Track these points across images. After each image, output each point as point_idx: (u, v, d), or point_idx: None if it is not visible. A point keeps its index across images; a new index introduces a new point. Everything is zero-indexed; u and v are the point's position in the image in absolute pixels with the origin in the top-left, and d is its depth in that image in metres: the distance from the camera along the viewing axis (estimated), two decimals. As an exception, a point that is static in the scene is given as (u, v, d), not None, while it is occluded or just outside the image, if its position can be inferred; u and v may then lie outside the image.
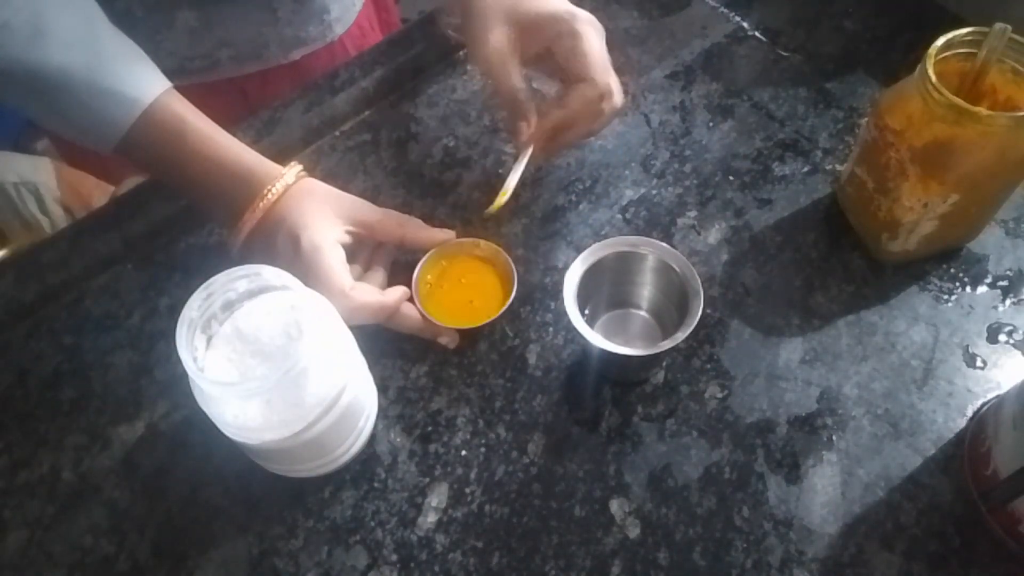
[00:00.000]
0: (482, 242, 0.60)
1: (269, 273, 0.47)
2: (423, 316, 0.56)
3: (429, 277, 0.59)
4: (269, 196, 0.56)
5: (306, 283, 0.50)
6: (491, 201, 0.59)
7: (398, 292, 0.56)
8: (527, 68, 0.60)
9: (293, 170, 0.58)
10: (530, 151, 0.60)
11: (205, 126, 0.57)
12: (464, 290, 0.59)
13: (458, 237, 0.60)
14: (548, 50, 0.59)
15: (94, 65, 0.53)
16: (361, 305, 0.54)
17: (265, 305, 0.49)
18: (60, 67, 0.52)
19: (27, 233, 1.23)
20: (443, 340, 0.57)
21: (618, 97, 0.59)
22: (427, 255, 0.59)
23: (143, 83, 0.56)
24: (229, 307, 0.48)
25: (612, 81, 0.59)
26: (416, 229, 0.59)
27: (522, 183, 0.66)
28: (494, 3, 0.59)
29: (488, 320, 0.56)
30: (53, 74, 0.52)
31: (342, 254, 0.55)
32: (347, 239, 0.57)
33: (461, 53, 0.76)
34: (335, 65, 0.76)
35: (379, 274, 0.59)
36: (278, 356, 0.47)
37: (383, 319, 0.55)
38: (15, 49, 0.51)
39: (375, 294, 0.55)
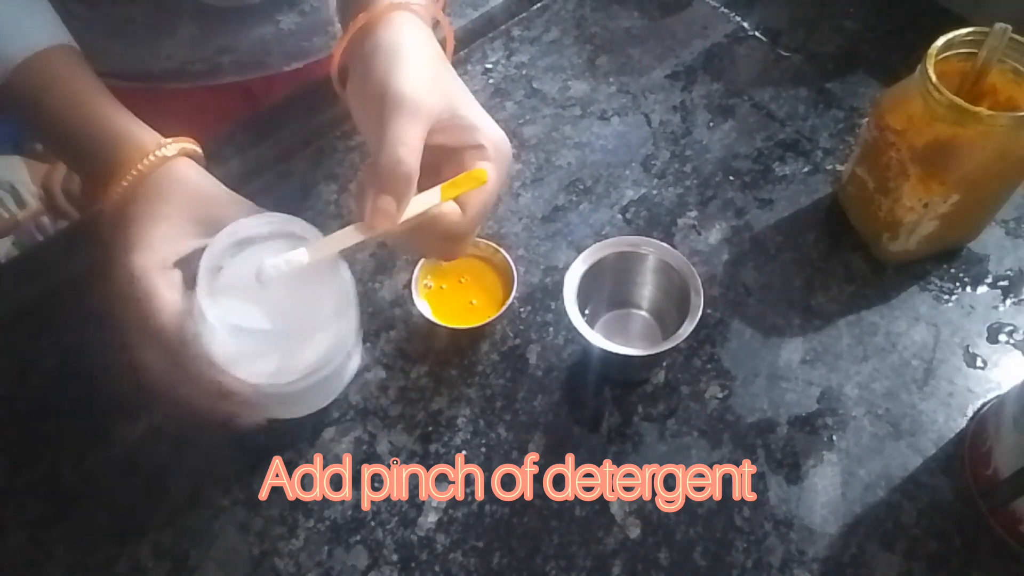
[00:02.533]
0: (482, 242, 0.59)
1: (295, 225, 0.45)
2: (424, 317, 0.56)
3: (429, 277, 0.59)
4: (130, 176, 0.46)
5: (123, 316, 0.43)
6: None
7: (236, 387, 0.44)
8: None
9: (173, 146, 0.48)
10: (361, 238, 0.43)
11: (66, 94, 0.49)
12: (464, 290, 0.59)
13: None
14: (441, 151, 0.46)
15: None
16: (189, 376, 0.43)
17: (279, 250, 0.45)
18: None
19: (10, 227, 1.27)
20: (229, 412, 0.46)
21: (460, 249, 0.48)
22: (427, 255, 0.59)
23: (17, 38, 0.49)
24: (244, 245, 0.46)
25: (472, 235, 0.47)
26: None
27: (522, 184, 0.66)
28: (418, 44, 0.46)
29: (488, 320, 0.56)
30: None
31: (174, 281, 0.44)
32: (187, 250, 0.45)
33: (462, 52, 0.76)
34: None
35: None
36: (284, 313, 0.45)
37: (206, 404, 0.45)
38: None
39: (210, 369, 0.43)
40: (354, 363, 0.54)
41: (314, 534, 0.51)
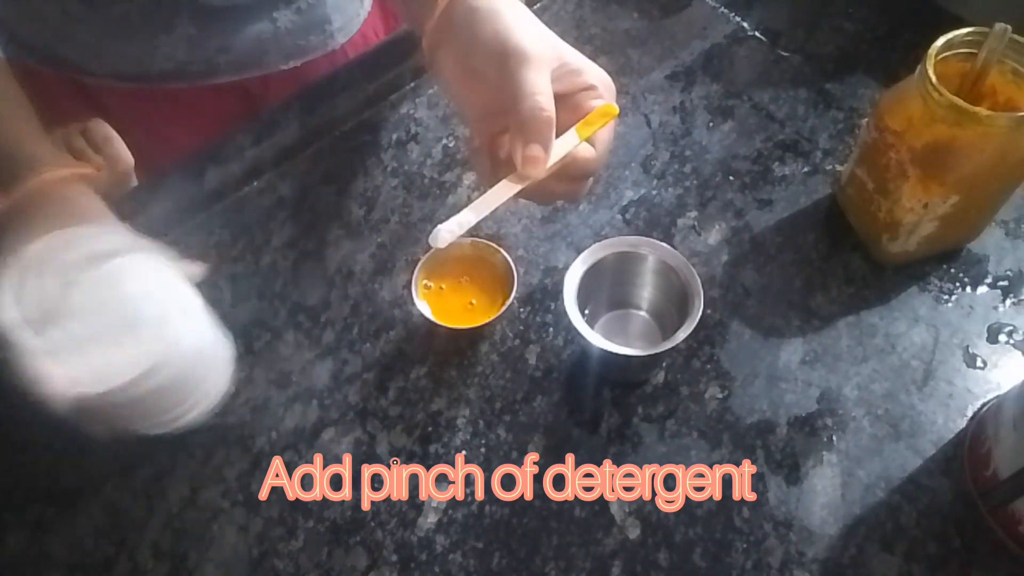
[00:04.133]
0: (482, 242, 0.60)
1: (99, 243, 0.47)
2: (423, 317, 0.57)
3: (428, 277, 0.59)
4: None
5: None
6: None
7: None
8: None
9: (65, 171, 0.52)
10: (521, 187, 0.46)
11: None
12: (464, 290, 0.59)
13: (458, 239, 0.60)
14: (556, 99, 0.46)
15: None
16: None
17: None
18: None
19: None
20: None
21: (586, 187, 0.50)
22: (426, 256, 0.59)
23: None
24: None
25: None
26: None
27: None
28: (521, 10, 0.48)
29: (488, 320, 0.56)
30: None
31: None
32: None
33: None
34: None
35: None
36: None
37: None
38: None
39: None
40: (218, 369, 0.53)
41: (313, 535, 0.51)
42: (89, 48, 0.71)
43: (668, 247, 0.53)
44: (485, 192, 0.46)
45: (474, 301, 0.58)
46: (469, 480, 0.53)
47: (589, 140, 0.47)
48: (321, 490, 0.53)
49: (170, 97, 0.76)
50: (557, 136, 0.45)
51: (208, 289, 0.63)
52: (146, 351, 0.47)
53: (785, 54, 0.73)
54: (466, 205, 0.64)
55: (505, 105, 0.45)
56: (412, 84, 0.74)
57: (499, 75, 0.45)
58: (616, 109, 0.47)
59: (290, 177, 0.69)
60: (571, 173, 0.47)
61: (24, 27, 0.70)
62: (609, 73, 0.50)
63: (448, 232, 0.44)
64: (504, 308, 0.56)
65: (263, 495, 0.53)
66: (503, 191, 0.46)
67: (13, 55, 0.71)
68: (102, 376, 0.46)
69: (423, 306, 0.57)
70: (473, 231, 0.61)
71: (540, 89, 0.44)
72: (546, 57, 0.46)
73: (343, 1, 0.79)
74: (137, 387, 0.47)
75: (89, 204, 0.53)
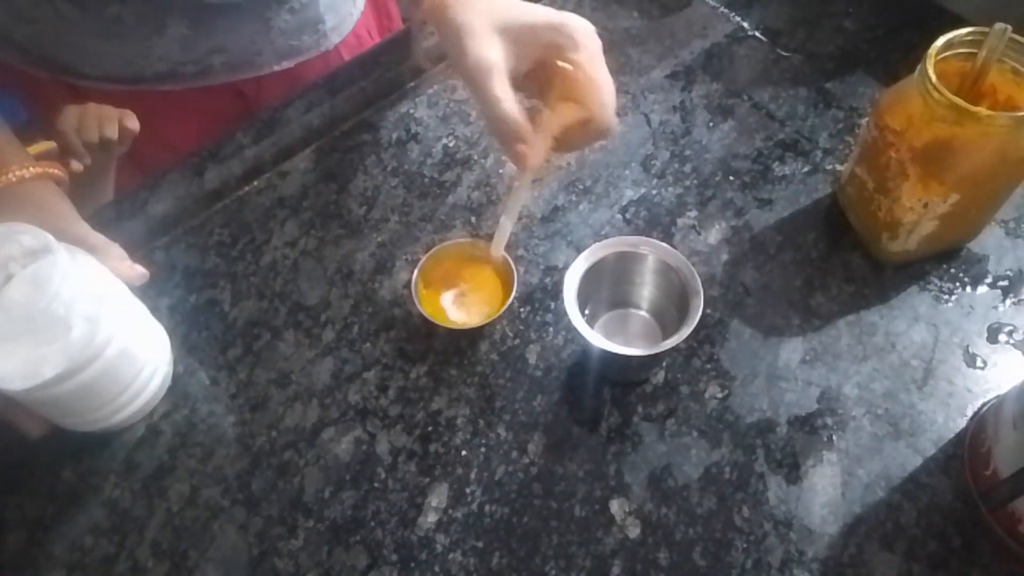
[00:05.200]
0: (482, 242, 0.59)
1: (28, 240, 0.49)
2: (423, 317, 0.57)
3: (428, 277, 0.59)
4: None
5: None
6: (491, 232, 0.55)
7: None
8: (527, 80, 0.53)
9: (34, 169, 0.56)
10: (530, 177, 0.53)
11: None
12: (464, 290, 0.59)
13: (459, 238, 0.60)
14: (538, 66, 0.52)
15: None
16: None
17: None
18: None
19: None
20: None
21: (614, 122, 0.52)
22: (426, 255, 0.59)
23: None
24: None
25: (613, 106, 0.51)
26: (118, 266, 0.57)
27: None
28: (476, 9, 0.51)
29: (488, 320, 0.56)
30: None
31: None
32: None
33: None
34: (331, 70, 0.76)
35: None
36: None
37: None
38: None
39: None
40: (150, 370, 0.55)
41: (313, 534, 0.51)
42: (82, 50, 0.71)
43: (668, 247, 0.53)
44: (509, 196, 0.53)
45: (473, 300, 0.58)
46: (469, 479, 0.53)
47: (580, 102, 0.50)
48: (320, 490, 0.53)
49: (164, 99, 0.75)
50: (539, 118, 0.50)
51: (208, 289, 0.63)
52: (71, 350, 0.47)
53: (785, 54, 0.73)
54: (466, 204, 0.65)
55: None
56: (412, 84, 0.74)
57: (467, 84, 0.50)
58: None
59: (290, 176, 0.69)
60: (587, 137, 0.51)
61: (16, 29, 0.70)
62: (609, 72, 0.51)
63: (499, 244, 0.54)
64: (504, 308, 0.56)
65: (263, 495, 0.53)
66: (522, 192, 0.52)
67: (4, 57, 0.71)
68: (25, 373, 0.47)
69: (423, 307, 0.57)
70: (473, 231, 0.62)
71: (497, 98, 0.49)
72: (497, 61, 0.49)
73: (336, 1, 0.79)
74: (60, 386, 0.48)
75: (49, 201, 0.55)
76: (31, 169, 0.56)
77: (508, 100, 0.49)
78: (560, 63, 0.51)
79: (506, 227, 0.54)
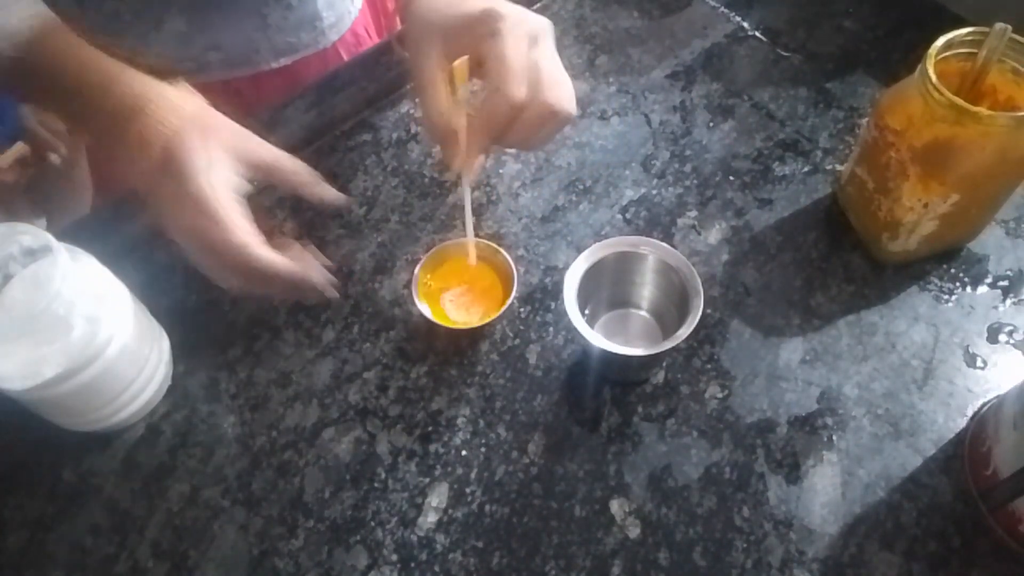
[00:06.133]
0: (482, 242, 0.60)
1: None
2: (424, 317, 0.57)
3: (429, 277, 0.59)
4: (147, 114, 0.49)
5: (200, 236, 0.47)
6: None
7: (314, 269, 0.51)
8: (474, 76, 0.52)
9: (175, 90, 0.52)
10: (469, 179, 0.55)
11: (83, 58, 0.52)
12: (464, 290, 0.59)
13: (459, 238, 0.60)
14: (476, 60, 0.51)
15: None
16: (269, 269, 0.47)
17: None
18: None
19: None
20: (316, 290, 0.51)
21: (552, 107, 0.50)
22: (426, 255, 0.59)
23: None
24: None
25: (540, 92, 0.50)
26: (312, 181, 0.54)
27: (522, 184, 0.66)
28: (427, 14, 0.52)
29: (488, 320, 0.56)
30: None
31: (240, 204, 0.49)
32: (246, 187, 0.50)
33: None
34: (327, 70, 0.75)
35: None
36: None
37: (287, 289, 0.50)
38: None
39: (285, 260, 0.49)
40: (149, 369, 0.55)
41: (314, 534, 0.51)
42: None
43: (668, 246, 0.53)
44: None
45: (473, 300, 0.58)
46: (469, 479, 0.53)
47: (499, 81, 0.49)
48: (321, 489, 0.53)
49: None
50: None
51: (208, 289, 0.63)
52: (71, 350, 0.48)
53: (785, 54, 0.73)
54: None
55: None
56: (412, 84, 0.74)
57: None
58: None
59: (290, 176, 0.69)
60: (534, 125, 0.51)
61: None
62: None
63: (471, 254, 0.55)
64: (504, 308, 0.56)
65: (262, 495, 0.53)
66: (466, 196, 0.55)
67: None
68: (25, 373, 0.47)
69: (423, 306, 0.57)
70: (473, 231, 0.62)
71: (430, 108, 0.51)
72: (428, 73, 0.51)
73: None
74: (60, 386, 0.48)
75: (235, 124, 0.52)
76: (193, 97, 0.52)
77: (440, 107, 0.51)
78: (484, 46, 0.50)
79: (469, 232, 0.56)
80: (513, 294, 0.57)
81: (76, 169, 0.79)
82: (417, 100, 0.52)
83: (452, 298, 0.58)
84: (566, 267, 0.53)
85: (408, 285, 0.58)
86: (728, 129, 0.69)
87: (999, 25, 0.50)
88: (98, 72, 0.50)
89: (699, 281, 0.51)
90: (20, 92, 0.53)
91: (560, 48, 0.53)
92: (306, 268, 0.50)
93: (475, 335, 0.58)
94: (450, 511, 0.52)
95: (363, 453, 0.54)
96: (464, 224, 0.57)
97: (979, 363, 0.55)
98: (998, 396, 0.51)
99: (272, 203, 0.68)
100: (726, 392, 0.55)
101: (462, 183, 0.56)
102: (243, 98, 0.80)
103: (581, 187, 0.66)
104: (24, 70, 0.50)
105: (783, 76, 0.72)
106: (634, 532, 0.50)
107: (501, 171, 0.68)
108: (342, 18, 0.81)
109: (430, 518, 0.51)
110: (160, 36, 0.71)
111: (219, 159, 0.49)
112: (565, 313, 0.51)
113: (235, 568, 0.51)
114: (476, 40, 0.50)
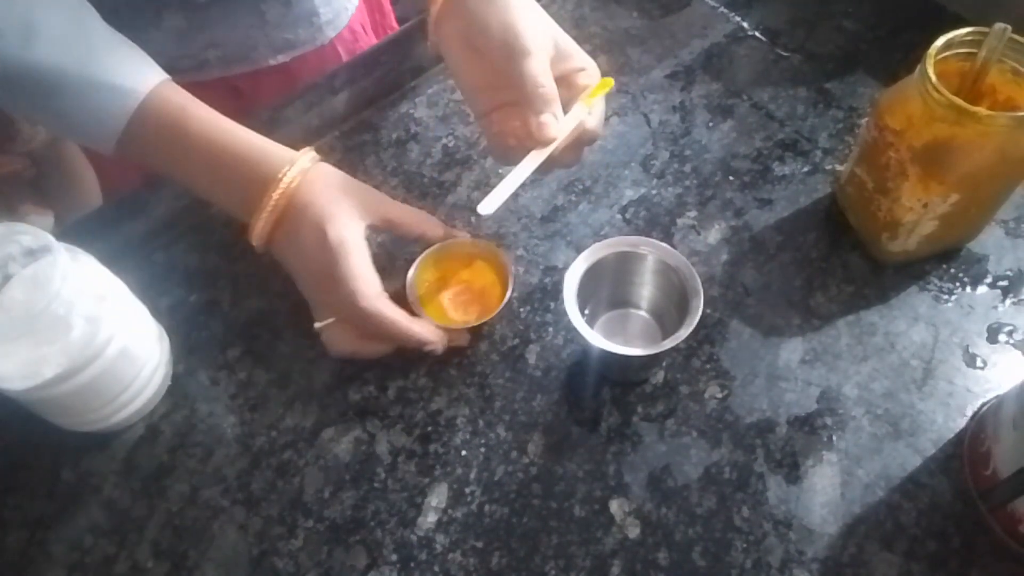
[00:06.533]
0: (480, 241, 0.60)
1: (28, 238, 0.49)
2: (422, 317, 0.56)
3: (426, 276, 0.59)
4: (284, 180, 0.53)
5: (328, 281, 0.53)
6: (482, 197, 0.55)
7: (430, 331, 0.55)
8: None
9: (308, 155, 0.56)
10: (548, 152, 0.55)
11: (207, 113, 0.56)
12: (462, 289, 0.59)
13: (458, 238, 0.60)
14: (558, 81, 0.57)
15: (87, 60, 0.53)
16: (386, 321, 0.53)
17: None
18: (54, 66, 0.52)
19: None
20: (430, 347, 0.55)
21: (598, 137, 0.60)
22: (423, 254, 0.59)
23: (138, 74, 0.55)
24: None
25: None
26: (435, 228, 0.59)
27: (522, 184, 0.66)
28: (529, 14, 0.56)
29: (486, 319, 0.56)
30: (47, 73, 0.52)
31: (368, 253, 0.55)
32: (368, 235, 0.56)
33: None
34: (325, 67, 0.75)
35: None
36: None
37: (395, 343, 0.56)
38: (8, 51, 0.51)
39: (404, 316, 0.54)
40: (149, 369, 0.55)
41: (313, 534, 0.51)
42: None
43: (668, 247, 0.53)
44: (507, 173, 0.54)
45: (473, 300, 0.58)
46: (469, 479, 0.53)
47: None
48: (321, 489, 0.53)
49: None
50: (565, 112, 0.55)
51: (208, 289, 0.63)
52: (71, 350, 0.48)
53: (785, 54, 0.73)
54: (466, 204, 0.66)
55: (506, 85, 0.55)
56: (412, 84, 0.74)
57: (505, 64, 0.54)
58: (612, 81, 0.58)
59: (290, 176, 0.69)
60: (581, 141, 0.58)
61: None
62: (609, 72, 0.53)
63: (495, 200, 0.53)
64: (501, 306, 0.56)
65: (262, 495, 0.53)
66: (532, 160, 0.54)
67: None
68: (25, 373, 0.47)
69: (421, 307, 0.57)
70: (473, 231, 0.62)
71: (542, 72, 0.54)
72: (546, 47, 0.55)
73: None
74: (60, 386, 0.48)
75: (353, 180, 0.58)
76: (307, 157, 0.56)
77: (547, 79, 0.54)
78: (582, 78, 0.58)
79: (504, 188, 0.53)
80: (509, 292, 0.56)
81: (77, 162, 0.79)
82: (509, 63, 0.54)
83: (451, 297, 0.58)
84: (566, 267, 0.53)
85: (408, 285, 0.58)
86: (728, 129, 0.69)
87: (999, 25, 0.50)
88: (211, 132, 0.56)
89: (699, 281, 0.51)
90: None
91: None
92: (424, 326, 0.55)
93: (475, 335, 0.58)
94: (450, 511, 0.52)
95: (363, 453, 0.54)
96: (512, 176, 0.54)
97: (979, 363, 0.55)
98: (998, 396, 0.51)
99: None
100: (726, 392, 0.55)
101: (537, 151, 0.55)
102: (242, 97, 0.80)
103: (580, 187, 0.66)
104: (143, 132, 0.55)
105: (783, 76, 0.72)
106: (634, 532, 0.50)
107: (500, 171, 0.68)
108: (339, 15, 0.81)
109: (430, 518, 0.51)
110: (159, 33, 0.71)
111: (350, 212, 0.54)
112: (565, 313, 0.51)
113: (235, 568, 0.51)
114: (577, 64, 0.57)
